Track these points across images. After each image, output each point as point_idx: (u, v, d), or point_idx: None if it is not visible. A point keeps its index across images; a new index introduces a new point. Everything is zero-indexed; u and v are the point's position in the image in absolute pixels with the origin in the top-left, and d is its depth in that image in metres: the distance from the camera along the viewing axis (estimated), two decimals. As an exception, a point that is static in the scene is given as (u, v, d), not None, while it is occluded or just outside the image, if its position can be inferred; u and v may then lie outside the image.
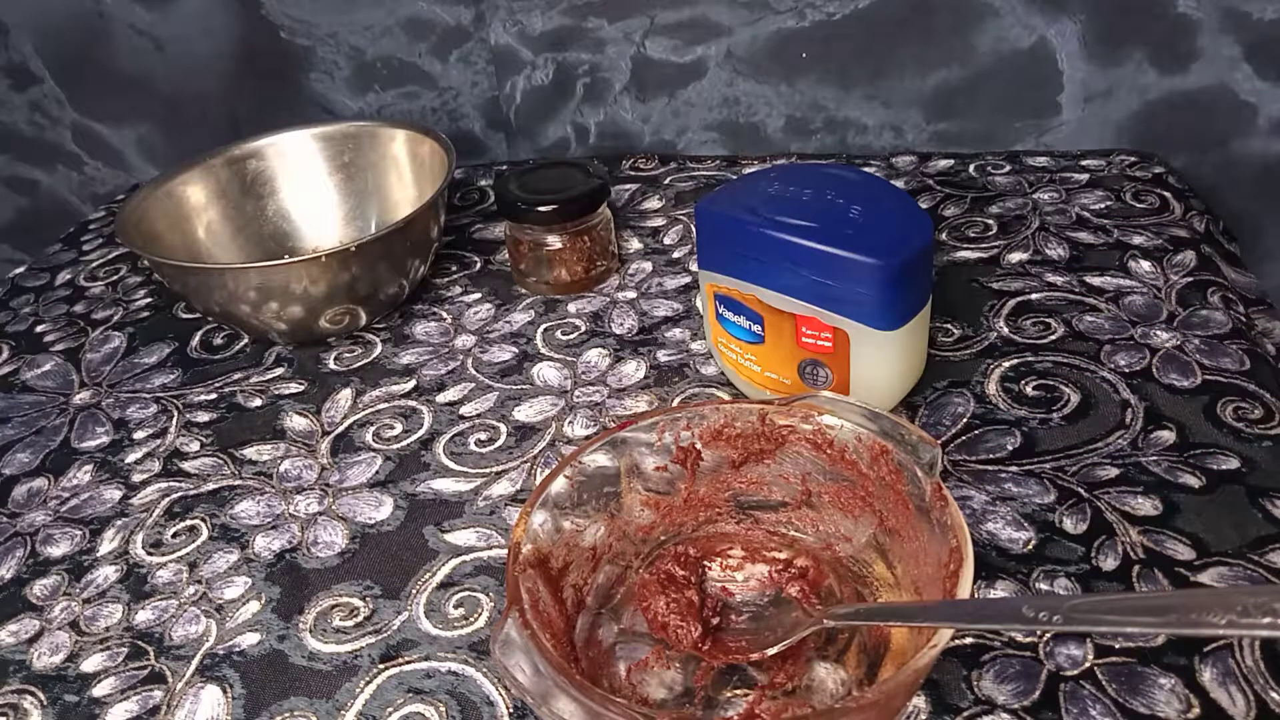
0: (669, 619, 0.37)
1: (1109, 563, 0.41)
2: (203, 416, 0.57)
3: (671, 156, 0.78)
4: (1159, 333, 0.53)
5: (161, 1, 0.81)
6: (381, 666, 0.41)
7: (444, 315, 0.63)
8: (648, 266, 0.65)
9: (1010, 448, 0.47)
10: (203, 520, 0.50)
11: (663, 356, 0.57)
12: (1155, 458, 0.46)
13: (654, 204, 0.72)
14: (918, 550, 0.36)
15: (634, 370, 0.56)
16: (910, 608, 0.34)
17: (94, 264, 0.76)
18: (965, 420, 0.49)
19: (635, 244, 0.68)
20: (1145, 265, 0.58)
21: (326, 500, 0.50)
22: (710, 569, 0.40)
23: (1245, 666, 0.36)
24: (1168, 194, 0.65)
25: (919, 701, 0.37)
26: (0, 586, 0.48)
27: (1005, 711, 0.36)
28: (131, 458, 0.54)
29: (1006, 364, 0.52)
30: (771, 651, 0.36)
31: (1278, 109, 0.67)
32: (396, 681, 0.40)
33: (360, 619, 0.43)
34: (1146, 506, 0.43)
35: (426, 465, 0.51)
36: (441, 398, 0.56)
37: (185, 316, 0.67)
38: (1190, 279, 0.57)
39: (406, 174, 0.68)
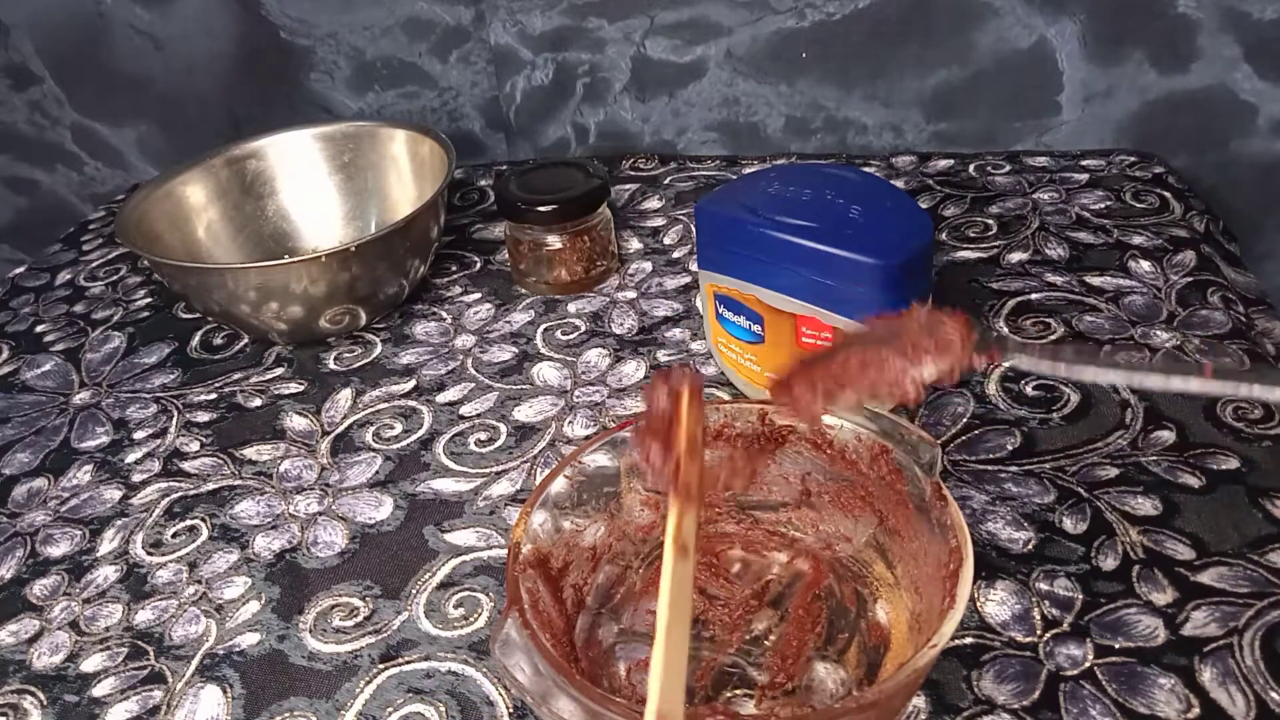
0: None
1: (1109, 563, 0.41)
2: (203, 416, 0.57)
3: (671, 156, 0.78)
4: (1159, 333, 0.53)
5: (161, 1, 0.81)
6: (381, 666, 0.41)
7: (444, 315, 0.63)
8: (648, 266, 0.65)
9: (1010, 448, 0.47)
10: (203, 520, 0.50)
11: (663, 356, 0.57)
12: (1155, 458, 0.46)
13: (654, 204, 0.72)
14: (918, 550, 0.36)
15: (634, 370, 0.56)
16: None
17: (94, 264, 0.75)
18: (965, 420, 0.49)
19: (635, 244, 0.68)
20: (1145, 265, 0.58)
21: (326, 500, 0.50)
22: (710, 568, 0.40)
23: (1245, 666, 0.36)
24: (1168, 194, 0.65)
25: (919, 701, 0.37)
26: (0, 586, 0.48)
27: (1005, 711, 0.36)
28: (131, 458, 0.54)
29: (1006, 364, 0.52)
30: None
31: (1278, 109, 0.67)
32: (396, 681, 0.40)
33: (360, 619, 0.43)
34: (1146, 506, 0.43)
35: (426, 465, 0.51)
36: (441, 398, 0.56)
37: (185, 316, 0.67)
38: (1190, 279, 0.57)
39: (406, 174, 0.68)
